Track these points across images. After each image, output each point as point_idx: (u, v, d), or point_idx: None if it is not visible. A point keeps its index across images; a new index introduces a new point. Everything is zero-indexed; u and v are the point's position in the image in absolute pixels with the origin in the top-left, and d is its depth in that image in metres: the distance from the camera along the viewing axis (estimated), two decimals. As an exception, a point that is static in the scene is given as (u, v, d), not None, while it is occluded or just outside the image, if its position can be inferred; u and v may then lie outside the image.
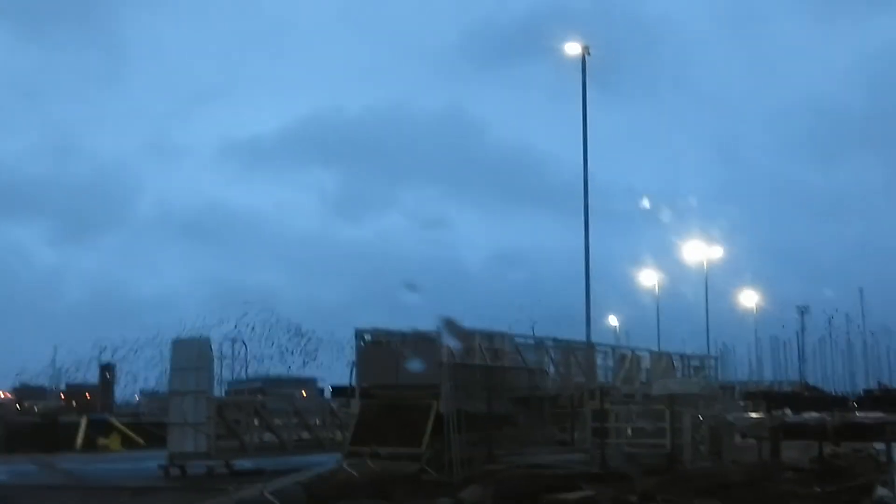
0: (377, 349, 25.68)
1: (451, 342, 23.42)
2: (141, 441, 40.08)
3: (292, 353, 52.03)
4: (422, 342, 25.39)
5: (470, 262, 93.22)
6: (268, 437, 29.48)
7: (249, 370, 53.54)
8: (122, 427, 42.13)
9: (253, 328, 50.94)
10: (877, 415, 30.15)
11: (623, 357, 33.33)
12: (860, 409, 41.83)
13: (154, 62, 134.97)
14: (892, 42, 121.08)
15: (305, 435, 30.74)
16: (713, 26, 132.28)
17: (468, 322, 26.98)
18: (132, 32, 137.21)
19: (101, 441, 40.07)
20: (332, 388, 50.50)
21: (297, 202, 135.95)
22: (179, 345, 28.09)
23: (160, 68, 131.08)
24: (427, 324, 25.26)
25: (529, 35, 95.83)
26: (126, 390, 63.40)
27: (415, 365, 23.13)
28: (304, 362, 51.85)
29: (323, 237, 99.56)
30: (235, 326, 49.90)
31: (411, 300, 22.73)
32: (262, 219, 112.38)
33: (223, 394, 34.96)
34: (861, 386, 70.03)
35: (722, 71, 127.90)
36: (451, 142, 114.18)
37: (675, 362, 36.42)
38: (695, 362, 38.17)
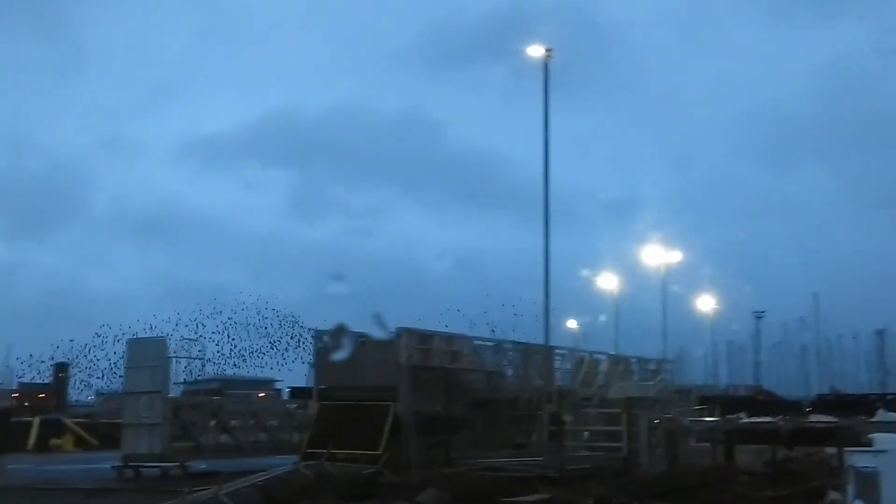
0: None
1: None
2: (95, 442, 39.68)
3: (287, 347, 51.84)
4: (380, 344, 25.35)
5: (428, 263, 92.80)
6: (224, 438, 29.23)
7: (237, 364, 53.40)
8: (76, 427, 41.67)
9: (247, 322, 51.02)
10: (829, 419, 30.51)
11: (581, 360, 33.47)
12: (813, 413, 42.30)
13: (112, 57, 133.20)
14: (843, 52, 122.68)
15: (262, 436, 30.55)
16: (668, 33, 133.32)
17: (426, 324, 27.06)
18: (90, 27, 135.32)
19: (54, 441, 39.61)
20: (290, 389, 50.33)
21: (256, 201, 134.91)
22: (135, 344, 27.84)
23: (118, 64, 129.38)
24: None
25: (487, 38, 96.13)
26: (81, 390, 62.79)
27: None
28: (301, 358, 51.59)
29: (281, 236, 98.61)
30: (229, 318, 50.01)
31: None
32: (220, 217, 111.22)
33: (180, 394, 34.69)
34: (815, 391, 70.85)
35: (677, 77, 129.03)
36: (410, 143, 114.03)
37: (632, 366, 36.65)
38: (652, 366, 38.42)
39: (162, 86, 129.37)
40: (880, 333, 76.09)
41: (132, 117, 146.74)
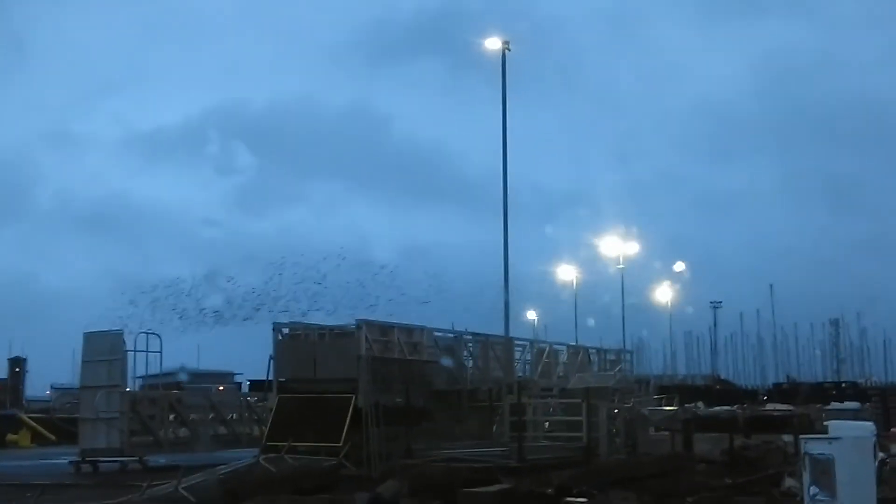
0: (295, 343, 25.50)
1: None
2: (52, 437, 39.27)
3: (245, 336, 50.88)
4: (339, 336, 25.29)
5: (379, 257, 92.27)
6: (183, 432, 29.03)
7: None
8: (32, 423, 41.20)
9: (201, 314, 50.23)
10: (785, 407, 30.98)
11: (541, 351, 33.61)
12: (769, 401, 42.87)
13: (56, 52, 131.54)
14: (776, 48, 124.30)
15: (222, 430, 30.40)
16: (607, 28, 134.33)
17: (383, 317, 26.99)
18: (34, 21, 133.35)
19: (10, 437, 39.16)
20: (249, 382, 49.98)
21: (201, 194, 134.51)
22: (91, 337, 27.47)
23: (62, 58, 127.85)
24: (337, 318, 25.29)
25: (428, 32, 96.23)
26: (37, 385, 62.03)
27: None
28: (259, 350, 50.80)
29: (227, 230, 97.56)
30: (183, 311, 49.14)
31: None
32: (166, 211, 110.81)
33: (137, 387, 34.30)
34: (770, 379, 71.76)
35: (619, 72, 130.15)
36: (357, 137, 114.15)
37: (591, 356, 36.87)
38: (611, 356, 38.71)
39: (105, 80, 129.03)
40: (834, 323, 77.22)
41: (77, 111, 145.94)
